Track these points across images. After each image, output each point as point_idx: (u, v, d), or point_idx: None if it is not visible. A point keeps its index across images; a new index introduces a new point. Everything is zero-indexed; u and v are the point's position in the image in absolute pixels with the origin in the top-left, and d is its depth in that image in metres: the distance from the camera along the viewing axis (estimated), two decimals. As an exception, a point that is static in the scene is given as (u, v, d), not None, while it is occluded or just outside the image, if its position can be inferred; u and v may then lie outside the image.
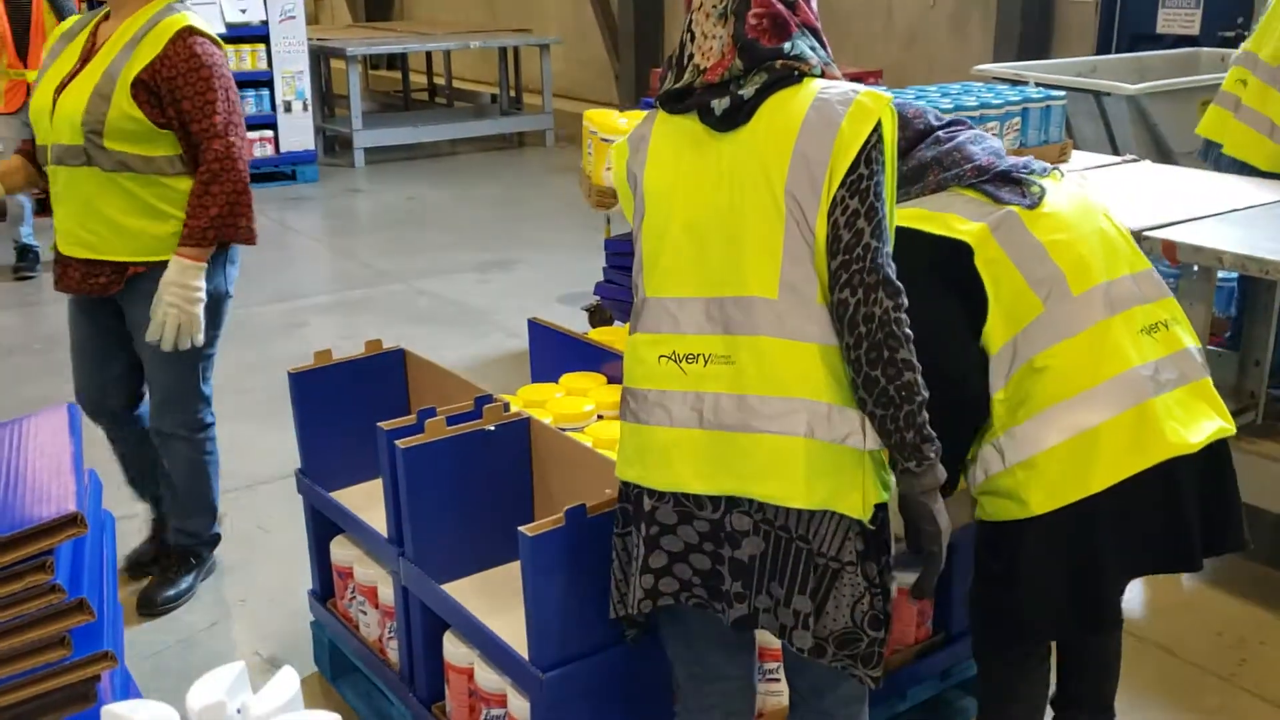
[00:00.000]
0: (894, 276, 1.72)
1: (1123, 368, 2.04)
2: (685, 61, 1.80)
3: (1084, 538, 2.05)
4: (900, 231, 1.89)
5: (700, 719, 2.03)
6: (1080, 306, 2.04)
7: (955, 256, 2.02)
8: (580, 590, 2.05)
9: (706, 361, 1.76)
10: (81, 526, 1.40)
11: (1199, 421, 2.11)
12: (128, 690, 1.65)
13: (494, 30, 11.24)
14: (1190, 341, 2.17)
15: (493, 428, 2.38)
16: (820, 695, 1.95)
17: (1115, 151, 5.22)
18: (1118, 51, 7.10)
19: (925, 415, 1.72)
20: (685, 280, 1.79)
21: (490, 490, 2.41)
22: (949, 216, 2.06)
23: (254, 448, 4.31)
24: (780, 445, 1.71)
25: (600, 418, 2.64)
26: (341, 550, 2.78)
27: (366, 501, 2.69)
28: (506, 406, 2.47)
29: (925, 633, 2.61)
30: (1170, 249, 3.19)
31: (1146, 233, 3.28)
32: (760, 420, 1.72)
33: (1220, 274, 4.05)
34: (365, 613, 2.71)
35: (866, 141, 1.70)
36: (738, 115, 1.75)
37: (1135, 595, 3.34)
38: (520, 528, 2.00)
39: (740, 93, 1.73)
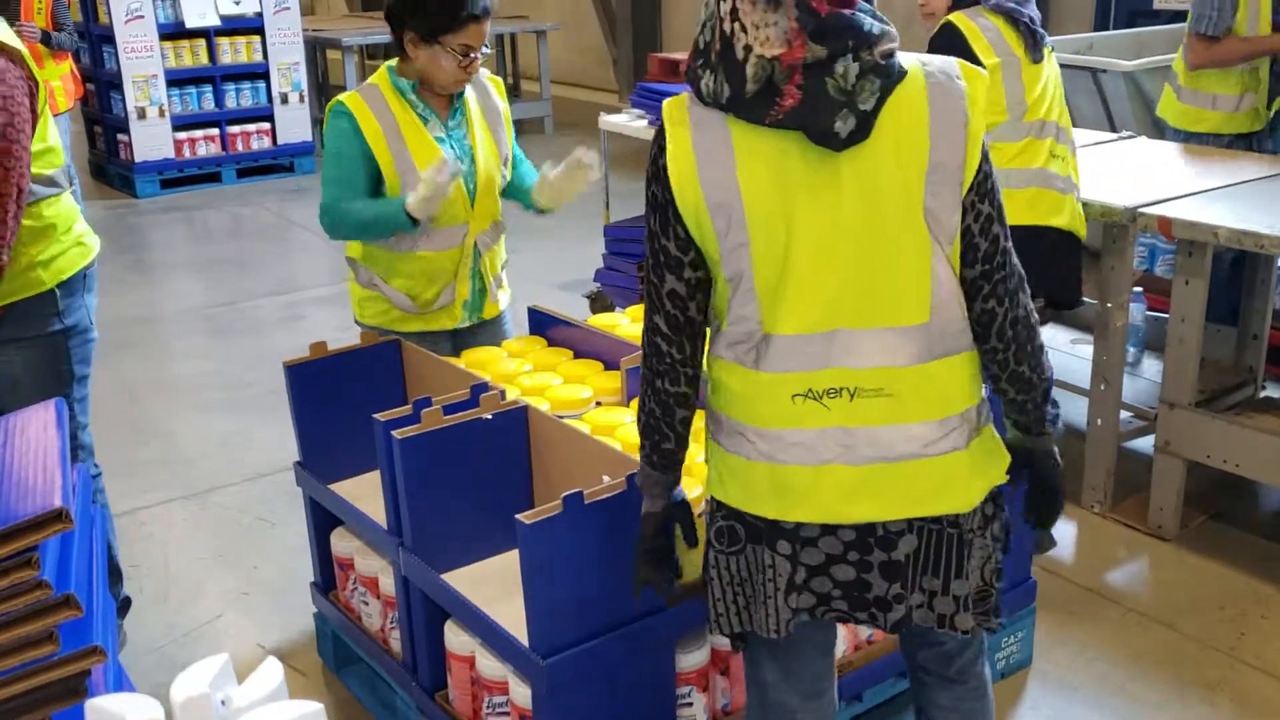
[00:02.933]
0: (1022, 271, 1.72)
1: None
2: (742, 55, 1.56)
3: None
4: None
5: None
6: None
7: None
8: (579, 576, 2.05)
9: (853, 396, 1.64)
10: (67, 522, 1.40)
11: None
12: (120, 685, 1.65)
13: (491, 17, 11.19)
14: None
15: (490, 416, 2.38)
16: (950, 662, 1.95)
17: (1112, 128, 5.20)
18: (1115, 28, 7.07)
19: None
20: (814, 313, 1.63)
21: (488, 479, 2.41)
22: None
23: (254, 441, 4.32)
24: (950, 462, 1.69)
25: (598, 404, 2.64)
26: (342, 542, 2.78)
27: (366, 492, 2.69)
28: (503, 395, 2.47)
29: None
30: (1166, 225, 3.18)
31: (1143, 209, 3.27)
32: (927, 446, 1.67)
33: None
34: (367, 603, 2.71)
35: (983, 133, 1.64)
36: (862, 131, 1.57)
37: (1135, 570, 3.34)
38: (518, 515, 2.00)
39: (862, 107, 1.55)
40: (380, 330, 2.95)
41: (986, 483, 1.74)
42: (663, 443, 1.81)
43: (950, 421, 1.68)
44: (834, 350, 1.64)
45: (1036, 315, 1.75)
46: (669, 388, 1.77)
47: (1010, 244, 1.70)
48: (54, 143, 2.70)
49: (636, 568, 1.88)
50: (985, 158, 1.64)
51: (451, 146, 2.84)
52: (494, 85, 2.99)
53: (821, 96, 1.54)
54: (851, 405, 1.65)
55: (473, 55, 2.75)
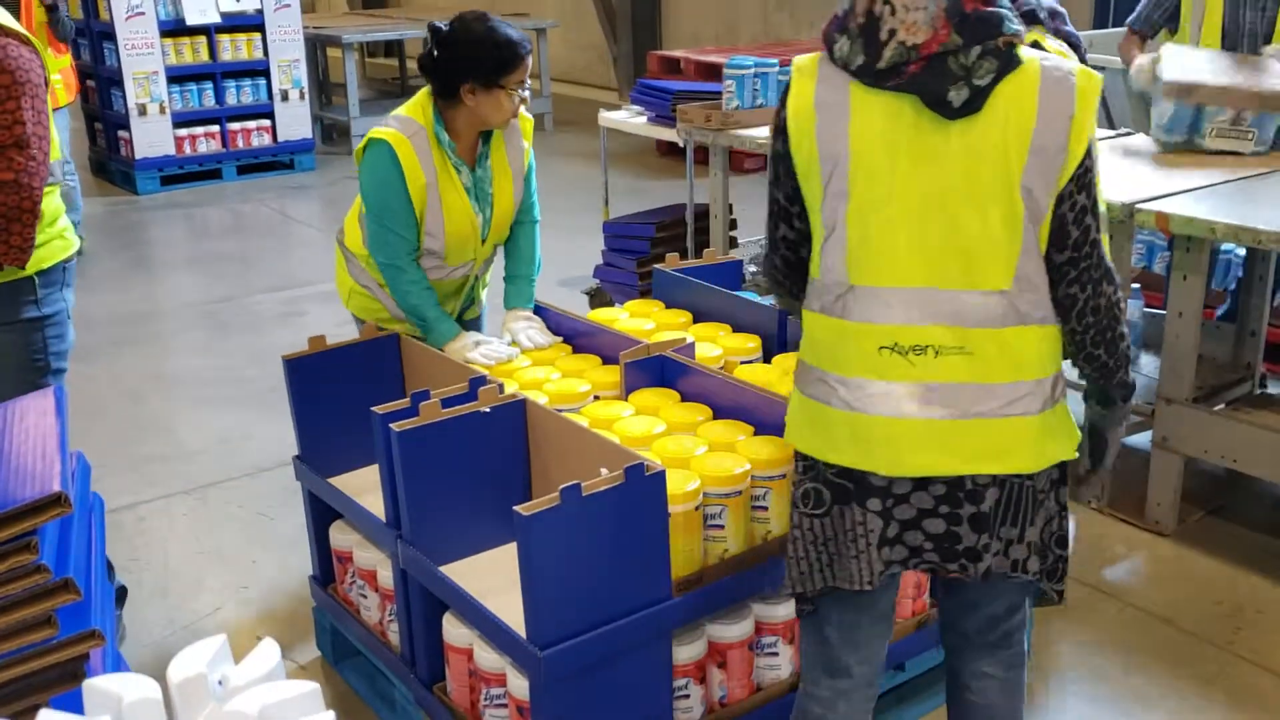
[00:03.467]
0: (1111, 264, 1.80)
1: None
2: (885, 37, 1.67)
3: None
4: None
5: (861, 702, 2.03)
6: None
7: None
8: (577, 569, 2.06)
9: (937, 353, 1.74)
10: (66, 506, 1.40)
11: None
12: (118, 669, 1.66)
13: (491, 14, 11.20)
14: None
15: (488, 409, 2.38)
16: (995, 626, 2.03)
17: (1111, 125, 5.21)
18: (1114, 26, 7.06)
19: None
20: (904, 268, 1.73)
21: (486, 472, 2.42)
22: None
23: (254, 436, 4.32)
24: (1020, 425, 1.78)
25: (596, 398, 2.65)
26: (341, 535, 2.79)
27: (364, 486, 2.70)
28: (501, 388, 2.47)
29: (922, 605, 2.62)
30: (1163, 221, 3.19)
31: (1140, 205, 3.27)
32: (1003, 406, 1.76)
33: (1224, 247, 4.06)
34: (365, 596, 2.72)
35: (1091, 131, 1.71)
36: (974, 104, 1.68)
37: (1132, 565, 3.35)
38: (517, 508, 2.01)
39: (976, 82, 1.66)
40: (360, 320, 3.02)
41: (1056, 452, 1.84)
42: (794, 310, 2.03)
43: (1024, 386, 1.78)
44: (921, 306, 1.74)
45: (1122, 305, 1.84)
46: (783, 296, 2.02)
47: (1102, 236, 1.78)
48: (54, 133, 2.75)
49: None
50: (1089, 153, 1.72)
51: (475, 197, 2.88)
52: (523, 125, 2.96)
53: (943, 69, 1.66)
54: (936, 362, 1.74)
55: (524, 91, 2.79)
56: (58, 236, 2.82)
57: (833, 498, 1.87)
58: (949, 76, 1.66)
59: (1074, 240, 1.74)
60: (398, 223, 2.79)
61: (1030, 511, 1.86)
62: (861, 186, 1.73)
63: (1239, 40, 4.04)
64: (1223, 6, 4.06)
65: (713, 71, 7.74)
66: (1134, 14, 4.36)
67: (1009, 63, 1.67)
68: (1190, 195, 3.35)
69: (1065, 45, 3.06)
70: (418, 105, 2.82)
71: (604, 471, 2.10)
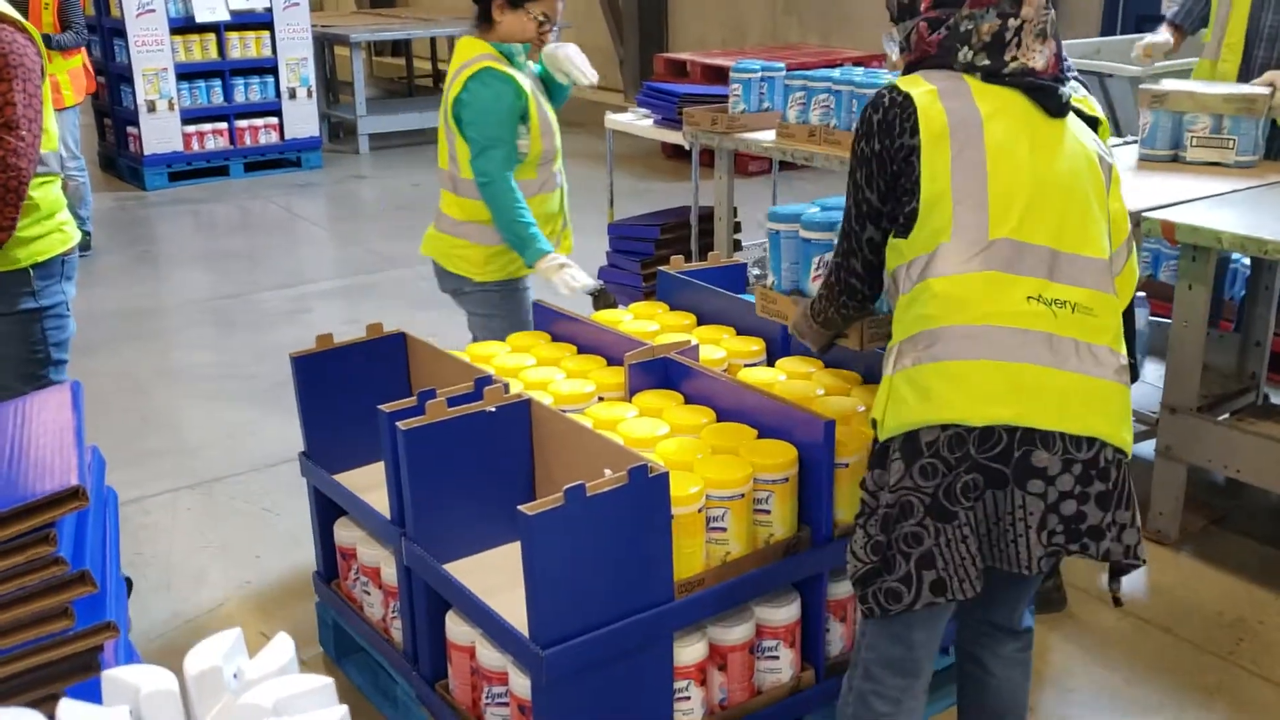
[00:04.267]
0: None
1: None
2: (1006, 58, 1.94)
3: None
4: None
5: (924, 694, 2.06)
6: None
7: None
8: (580, 569, 2.07)
9: (1074, 309, 1.86)
10: (83, 500, 1.42)
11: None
12: (131, 660, 1.67)
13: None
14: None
15: (494, 409, 2.40)
16: (1015, 610, 2.13)
17: (1118, 133, 5.21)
18: (1123, 33, 7.07)
19: None
20: (1038, 229, 1.88)
21: (491, 471, 2.43)
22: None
23: (260, 432, 4.34)
24: (1122, 395, 1.90)
25: (601, 399, 2.66)
26: (345, 532, 2.80)
27: (369, 483, 2.71)
28: (507, 388, 2.48)
29: None
30: (1169, 229, 3.19)
31: (1146, 213, 3.28)
32: (1112, 372, 1.88)
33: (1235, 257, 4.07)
34: (369, 593, 2.73)
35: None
36: (1064, 112, 1.98)
37: (1134, 574, 3.35)
38: (521, 507, 2.02)
39: (1065, 97, 1.97)
40: (503, 284, 3.29)
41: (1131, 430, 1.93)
42: (841, 326, 2.26)
43: (1120, 354, 1.92)
44: (1058, 264, 1.87)
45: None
46: (854, 312, 2.18)
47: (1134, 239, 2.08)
48: (50, 126, 2.76)
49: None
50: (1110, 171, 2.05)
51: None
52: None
53: (1048, 86, 1.97)
54: (1072, 318, 1.86)
55: (550, 25, 3.18)
56: (56, 229, 2.82)
57: (986, 481, 1.85)
58: (1052, 91, 1.97)
59: (1125, 235, 2.05)
60: (507, 131, 3.12)
61: (1129, 492, 1.92)
62: (998, 155, 1.90)
63: (1257, 43, 4.04)
64: (1249, 8, 4.07)
65: (719, 74, 7.76)
66: (1175, 8, 4.33)
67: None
68: (1197, 204, 3.35)
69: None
70: (470, 46, 3.19)
71: (608, 472, 2.11)
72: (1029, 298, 1.85)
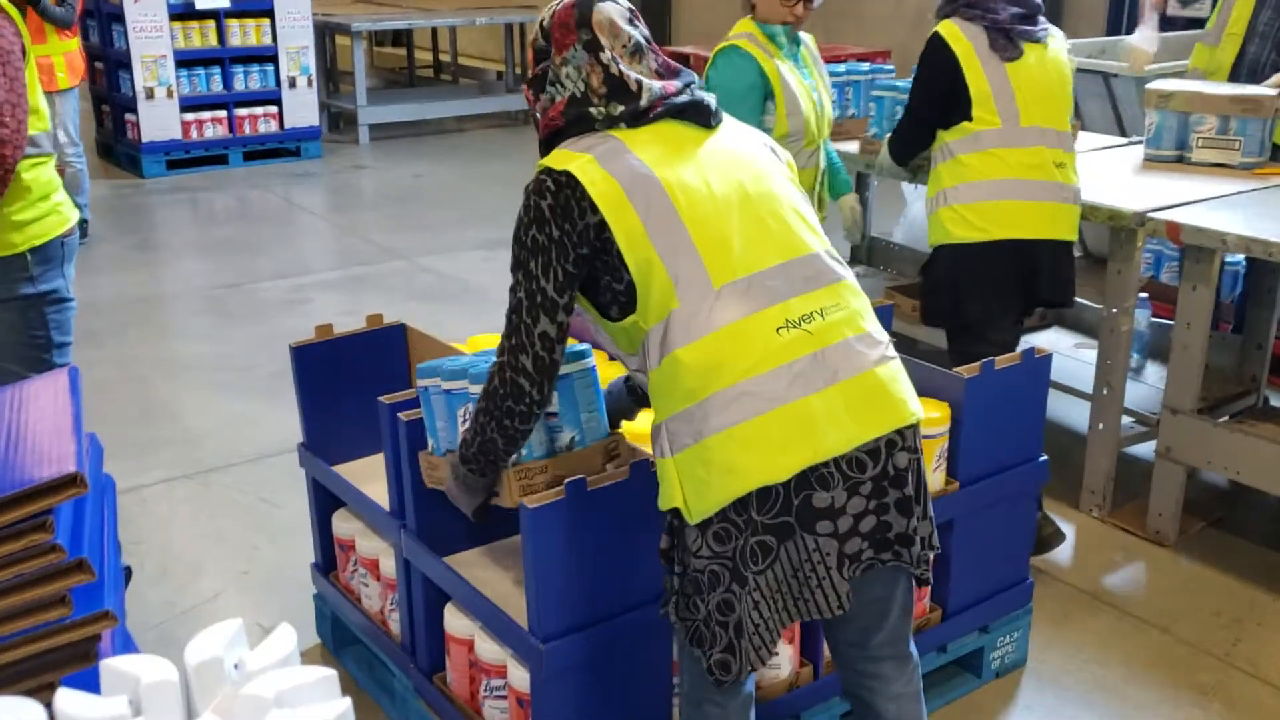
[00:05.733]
0: None
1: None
2: (635, 90, 1.84)
3: None
4: None
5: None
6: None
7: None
8: (580, 562, 2.06)
9: (824, 314, 1.79)
10: (82, 486, 1.41)
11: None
12: (128, 649, 1.66)
13: (500, 6, 11.20)
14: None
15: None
16: (899, 633, 1.98)
17: (1123, 133, 5.21)
18: (1127, 33, 7.05)
19: None
20: (761, 252, 1.79)
21: (491, 464, 2.42)
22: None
23: (258, 423, 4.32)
24: (896, 372, 1.84)
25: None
26: (344, 523, 2.79)
27: (369, 475, 2.70)
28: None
29: (922, 609, 2.63)
30: (1174, 231, 3.19)
31: (1151, 214, 3.27)
32: (880, 355, 1.82)
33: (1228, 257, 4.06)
34: (367, 585, 2.72)
35: None
36: (719, 115, 1.93)
37: (1132, 574, 3.35)
38: (521, 499, 2.01)
39: (707, 100, 1.90)
40: None
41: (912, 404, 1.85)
42: (498, 463, 1.99)
43: (879, 330, 1.86)
44: (789, 277, 1.79)
45: None
46: (520, 426, 1.91)
47: None
48: (40, 105, 2.71)
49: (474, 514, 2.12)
50: None
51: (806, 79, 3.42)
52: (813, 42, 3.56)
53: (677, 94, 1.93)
54: (827, 323, 1.79)
55: (797, 2, 3.30)
56: (52, 211, 2.77)
57: (762, 555, 1.78)
58: (696, 105, 1.89)
59: None
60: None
61: (925, 485, 1.88)
62: (685, 201, 1.80)
63: (1252, 37, 4.05)
64: (1253, 6, 4.07)
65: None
66: None
67: None
68: (1202, 205, 3.35)
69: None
70: (739, 26, 3.38)
71: (608, 468, 2.10)
72: (778, 329, 1.74)
